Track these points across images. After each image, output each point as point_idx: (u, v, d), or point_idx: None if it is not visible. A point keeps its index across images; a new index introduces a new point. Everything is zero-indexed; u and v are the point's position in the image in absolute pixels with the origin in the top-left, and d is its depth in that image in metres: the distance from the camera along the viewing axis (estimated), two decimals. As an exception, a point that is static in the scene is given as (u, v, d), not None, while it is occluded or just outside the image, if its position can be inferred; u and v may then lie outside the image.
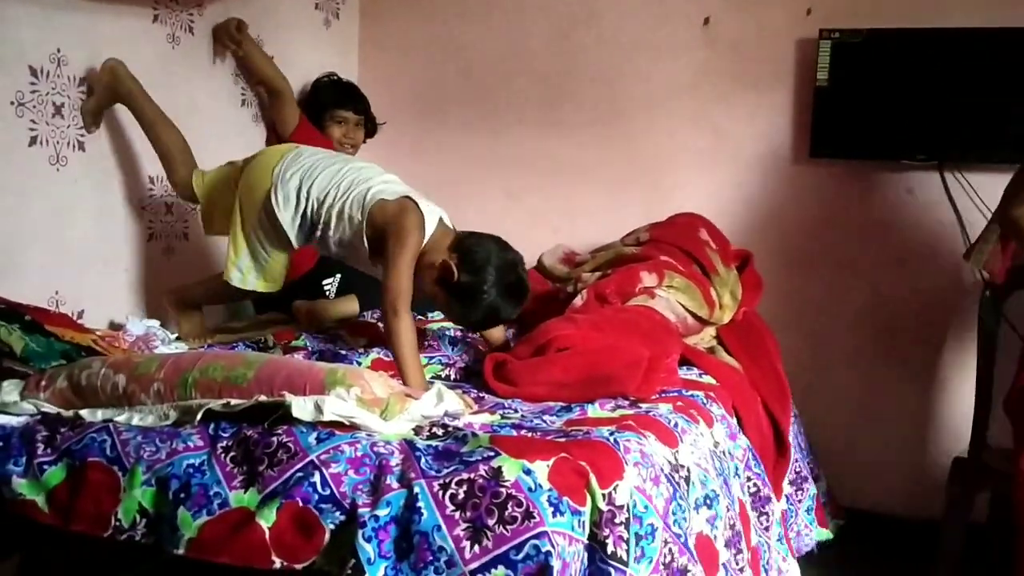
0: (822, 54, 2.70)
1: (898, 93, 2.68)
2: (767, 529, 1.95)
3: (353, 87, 2.96)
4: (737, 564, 1.66)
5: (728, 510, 1.67)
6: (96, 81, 2.23)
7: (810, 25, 2.76)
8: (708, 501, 1.60)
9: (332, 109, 2.84)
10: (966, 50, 2.62)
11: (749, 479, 1.95)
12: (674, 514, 1.46)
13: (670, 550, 1.41)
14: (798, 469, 2.45)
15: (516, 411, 1.79)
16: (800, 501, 2.45)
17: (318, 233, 2.10)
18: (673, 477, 1.54)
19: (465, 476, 1.31)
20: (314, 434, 1.41)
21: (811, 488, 2.46)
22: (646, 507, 1.40)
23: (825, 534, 2.47)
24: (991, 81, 2.60)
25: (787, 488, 2.39)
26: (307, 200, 2.08)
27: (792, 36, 2.81)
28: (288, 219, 2.10)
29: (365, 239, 2.00)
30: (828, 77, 2.71)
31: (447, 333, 2.28)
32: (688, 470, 1.59)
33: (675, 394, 1.95)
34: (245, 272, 2.18)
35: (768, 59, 2.84)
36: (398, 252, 1.90)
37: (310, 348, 2.17)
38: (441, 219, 2.04)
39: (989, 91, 2.60)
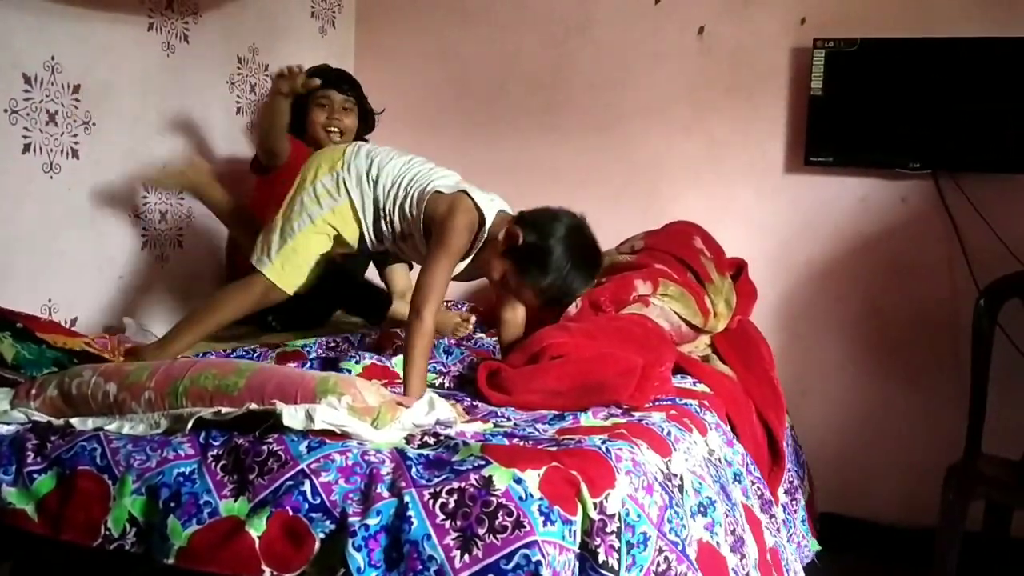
0: (816, 63, 2.71)
1: (892, 101, 2.69)
2: (778, 530, 1.94)
3: (344, 72, 2.78)
4: (744, 569, 1.65)
5: (727, 516, 1.66)
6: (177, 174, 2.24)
7: (804, 34, 2.77)
8: (703, 508, 1.59)
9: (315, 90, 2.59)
10: (959, 59, 2.63)
11: (753, 483, 1.95)
12: (670, 522, 1.45)
13: (666, 558, 1.40)
14: (791, 479, 2.45)
15: (509, 419, 1.78)
16: (795, 511, 2.44)
17: (383, 224, 2.02)
18: (667, 485, 1.54)
19: (456, 485, 1.31)
20: (305, 443, 1.40)
21: (802, 498, 2.46)
22: (639, 516, 1.40)
23: (815, 545, 2.47)
24: (984, 89, 2.61)
25: (783, 497, 2.39)
26: (374, 187, 2.00)
27: (786, 45, 2.82)
28: (359, 200, 2.00)
29: (422, 234, 1.95)
30: (822, 86, 2.72)
31: (441, 341, 2.28)
32: (681, 478, 1.58)
33: (669, 402, 1.94)
34: (270, 245, 1.99)
35: (763, 68, 2.85)
36: (440, 252, 1.85)
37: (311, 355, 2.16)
38: (502, 210, 1.98)
39: (982, 99, 2.62)
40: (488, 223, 1.93)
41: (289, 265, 2.00)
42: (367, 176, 2.01)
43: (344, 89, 2.67)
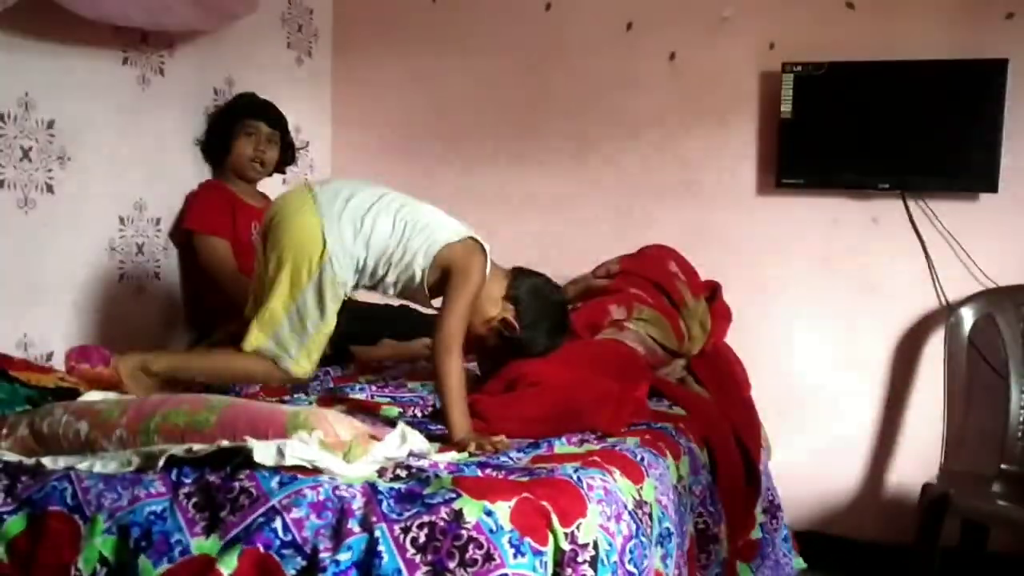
0: (785, 87, 2.75)
1: (860, 124, 2.74)
2: (705, 568, 1.95)
3: (271, 105, 2.74)
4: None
5: (678, 548, 1.68)
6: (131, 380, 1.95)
7: (773, 59, 2.81)
8: (662, 539, 1.60)
9: (243, 118, 2.64)
10: (925, 81, 2.68)
11: (700, 515, 1.96)
12: (632, 552, 1.47)
13: None
14: (771, 498, 2.46)
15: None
16: (776, 530, 2.45)
17: (376, 280, 2.01)
18: (636, 513, 1.55)
19: (426, 519, 1.32)
20: (276, 478, 1.40)
21: (784, 517, 2.47)
22: (610, 544, 1.41)
23: (800, 563, 2.49)
24: (950, 111, 2.66)
25: (761, 517, 2.40)
26: (367, 251, 1.96)
27: (756, 70, 2.86)
28: (348, 274, 1.96)
29: (427, 284, 1.97)
30: (792, 109, 2.76)
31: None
32: (651, 506, 1.60)
33: (644, 427, 1.95)
34: (286, 344, 1.93)
35: (733, 92, 2.89)
36: (461, 294, 1.89)
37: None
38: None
39: (948, 121, 2.66)
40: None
41: (314, 351, 1.95)
42: (360, 258, 1.96)
43: (273, 123, 2.69)
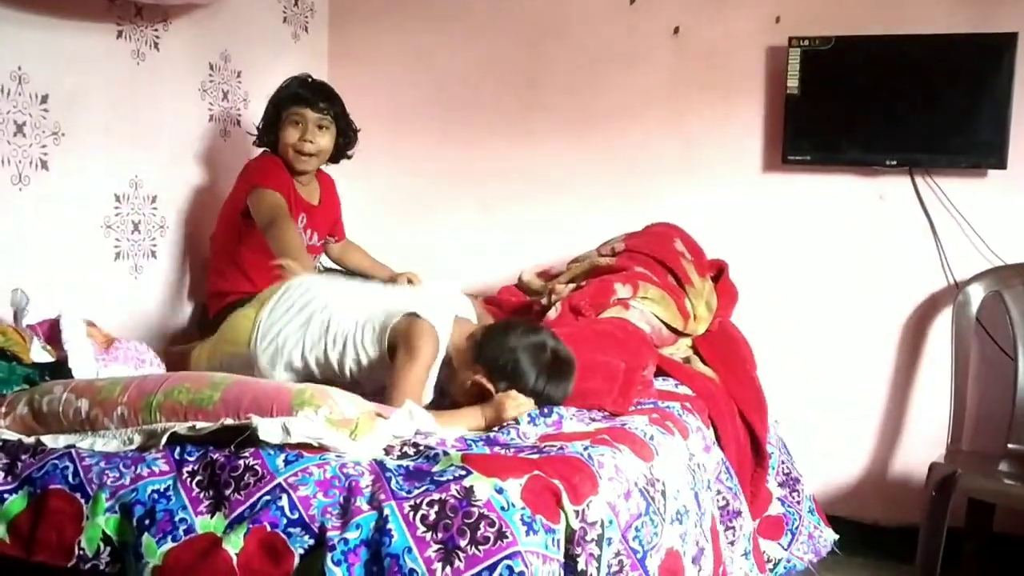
0: (792, 62, 2.71)
1: (867, 99, 2.70)
2: (732, 544, 1.93)
3: (322, 85, 2.55)
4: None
5: (696, 526, 1.65)
6: None
7: (779, 33, 2.77)
8: (679, 516, 1.58)
9: (289, 107, 2.47)
10: (933, 56, 2.64)
11: (719, 492, 1.94)
12: (638, 530, 1.44)
13: (620, 563, 1.39)
14: (787, 470, 2.43)
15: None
16: (799, 503, 2.40)
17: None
18: (648, 491, 1.52)
19: (436, 496, 1.29)
20: (282, 456, 1.38)
21: (805, 489, 2.43)
22: (611, 521, 1.39)
23: (832, 534, 2.44)
24: (958, 86, 2.62)
25: (779, 491, 2.37)
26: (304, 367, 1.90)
27: (762, 44, 2.82)
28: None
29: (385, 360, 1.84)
30: (798, 84, 2.72)
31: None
32: (664, 483, 1.57)
33: (651, 406, 1.93)
34: None
35: (738, 67, 2.85)
36: (408, 370, 1.76)
37: None
38: (456, 315, 1.92)
39: (956, 96, 2.63)
40: (443, 343, 1.84)
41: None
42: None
43: (319, 107, 2.47)
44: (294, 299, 1.98)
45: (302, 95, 2.48)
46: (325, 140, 2.51)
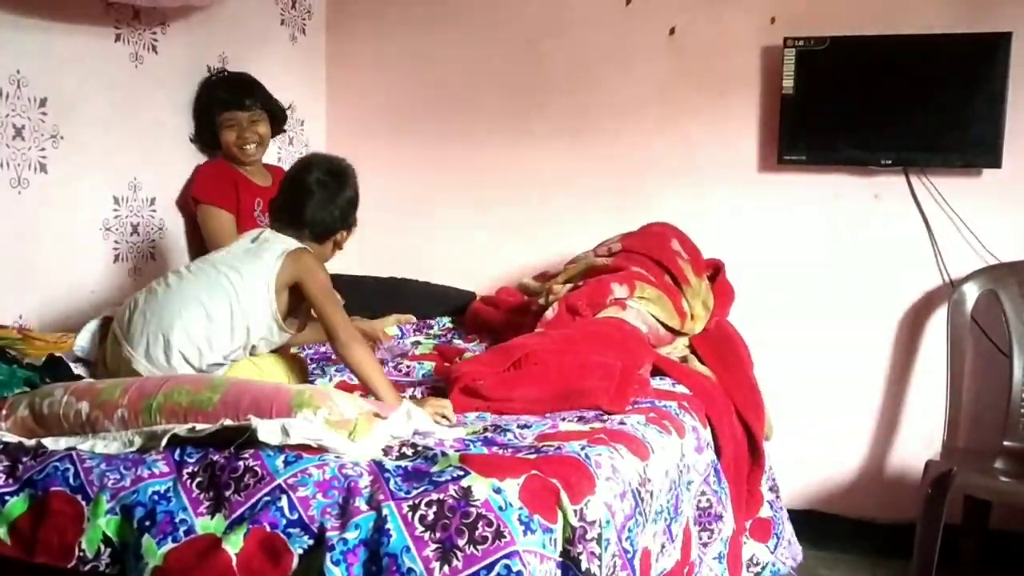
0: (787, 62, 2.72)
1: (863, 99, 2.71)
2: (705, 545, 1.94)
3: (240, 80, 2.68)
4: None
5: (672, 524, 1.67)
6: None
7: (775, 33, 2.78)
8: (657, 516, 1.60)
9: (219, 112, 2.60)
10: (928, 56, 2.65)
11: (703, 494, 1.95)
12: (629, 531, 1.46)
13: (614, 564, 1.41)
14: (773, 475, 2.45)
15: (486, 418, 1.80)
16: (783, 508, 2.45)
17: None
18: (639, 492, 1.54)
19: (434, 496, 1.30)
20: (281, 457, 1.39)
21: (782, 498, 2.46)
22: (608, 521, 1.40)
23: (800, 550, 2.48)
24: (953, 86, 2.63)
25: (768, 495, 2.39)
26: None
27: (757, 44, 2.83)
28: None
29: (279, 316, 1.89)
30: (794, 84, 2.73)
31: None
32: (653, 483, 1.59)
33: (648, 404, 1.94)
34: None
35: (734, 67, 2.86)
36: (320, 293, 1.86)
37: None
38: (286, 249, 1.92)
39: (951, 96, 2.63)
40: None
41: None
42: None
43: (246, 104, 2.61)
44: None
45: (226, 99, 2.61)
46: (262, 129, 2.66)
